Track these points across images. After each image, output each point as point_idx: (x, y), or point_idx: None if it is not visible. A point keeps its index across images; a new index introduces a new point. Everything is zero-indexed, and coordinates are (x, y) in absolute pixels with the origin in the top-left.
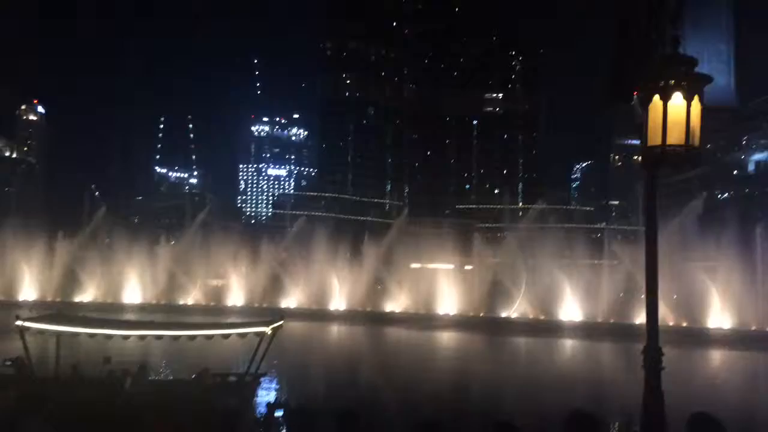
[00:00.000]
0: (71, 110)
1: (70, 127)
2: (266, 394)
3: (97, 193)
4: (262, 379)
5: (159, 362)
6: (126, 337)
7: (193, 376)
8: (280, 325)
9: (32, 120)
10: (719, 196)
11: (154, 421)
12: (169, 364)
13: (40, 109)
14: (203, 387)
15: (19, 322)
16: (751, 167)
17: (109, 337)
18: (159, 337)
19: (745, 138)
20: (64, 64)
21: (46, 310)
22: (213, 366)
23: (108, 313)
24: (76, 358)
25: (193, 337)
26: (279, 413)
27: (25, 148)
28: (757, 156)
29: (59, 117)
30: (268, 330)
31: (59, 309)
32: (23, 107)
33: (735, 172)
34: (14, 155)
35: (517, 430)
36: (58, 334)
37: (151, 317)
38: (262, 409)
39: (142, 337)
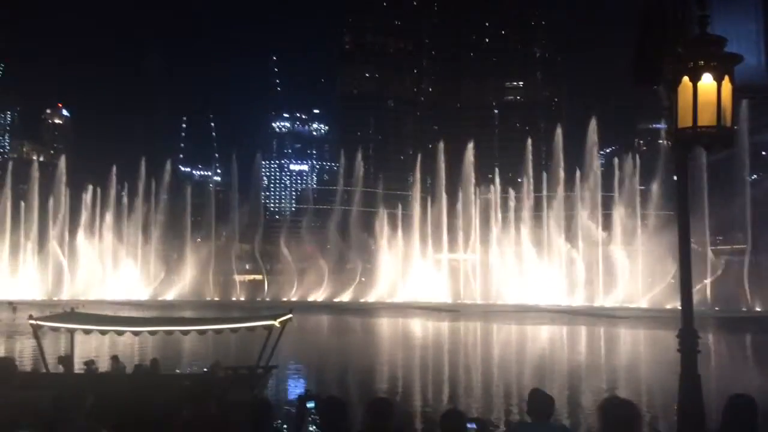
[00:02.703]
0: (94, 112)
1: (93, 129)
2: (279, 386)
3: (123, 193)
4: (273, 371)
5: (167, 357)
6: (137, 333)
7: (205, 369)
8: (290, 318)
9: (58, 123)
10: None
11: (193, 411)
12: (176, 359)
13: (65, 112)
14: (215, 380)
15: (32, 321)
16: None
17: (121, 333)
18: (169, 333)
19: None
20: (85, 66)
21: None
22: (222, 359)
23: (138, 309)
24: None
25: (203, 332)
26: (311, 405)
27: (52, 152)
28: None
29: (83, 119)
30: (276, 323)
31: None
32: (48, 111)
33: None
34: (41, 159)
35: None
36: (72, 331)
37: (181, 313)
38: (292, 401)
39: (153, 333)
